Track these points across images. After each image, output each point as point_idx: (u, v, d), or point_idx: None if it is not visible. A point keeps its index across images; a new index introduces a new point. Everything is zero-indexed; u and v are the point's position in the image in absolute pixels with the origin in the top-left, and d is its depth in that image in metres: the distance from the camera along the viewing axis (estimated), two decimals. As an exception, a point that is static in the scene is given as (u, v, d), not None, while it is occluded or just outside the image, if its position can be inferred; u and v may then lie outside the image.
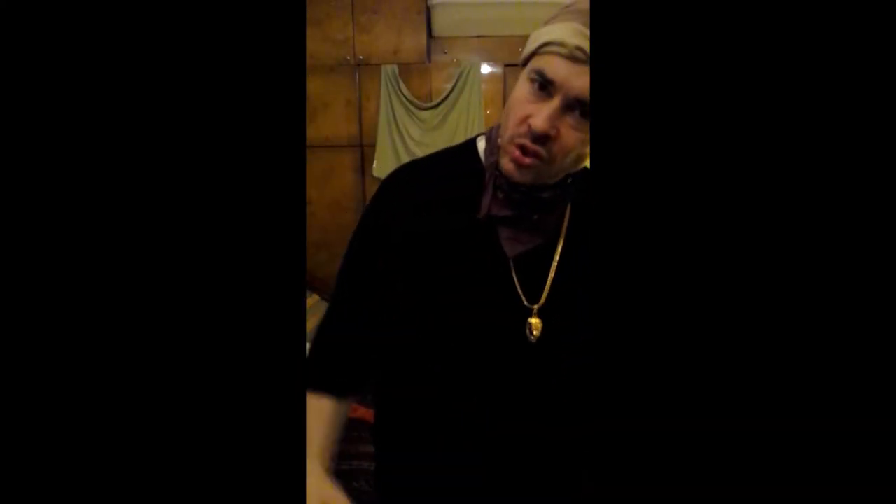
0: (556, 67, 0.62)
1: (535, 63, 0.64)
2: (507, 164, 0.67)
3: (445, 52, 2.91)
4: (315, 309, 2.70)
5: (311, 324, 2.48)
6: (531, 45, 0.65)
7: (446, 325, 0.70)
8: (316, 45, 2.85)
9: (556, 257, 0.72)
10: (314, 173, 2.94)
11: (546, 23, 0.65)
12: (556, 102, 0.63)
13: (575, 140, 0.64)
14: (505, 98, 2.85)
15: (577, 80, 0.61)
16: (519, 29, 2.88)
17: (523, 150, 0.65)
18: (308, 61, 2.85)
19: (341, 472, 1.98)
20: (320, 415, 0.76)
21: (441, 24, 2.92)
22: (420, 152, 2.90)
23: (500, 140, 0.68)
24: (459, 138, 2.83)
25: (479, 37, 2.89)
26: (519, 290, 0.70)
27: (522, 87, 0.65)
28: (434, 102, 2.86)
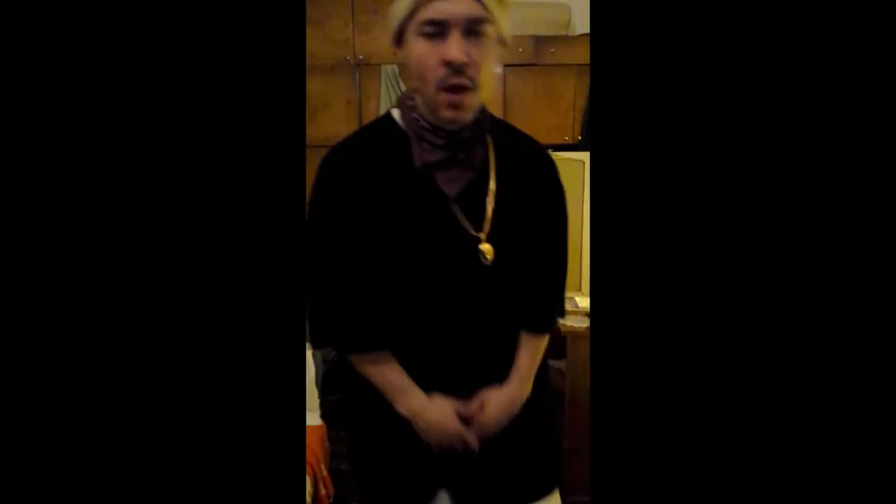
0: (439, 8, 0.70)
1: (420, 19, 0.71)
2: (446, 113, 0.75)
3: (445, 52, 2.91)
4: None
5: (312, 324, 2.48)
6: (401, 14, 0.73)
7: (412, 264, 0.79)
8: (316, 45, 2.85)
9: (491, 188, 0.81)
10: (314, 174, 2.94)
11: None
12: (455, 34, 0.70)
13: (485, 58, 0.73)
14: (504, 98, 2.85)
15: (459, 6, 0.69)
16: (519, 29, 2.88)
17: (453, 90, 0.71)
18: (308, 61, 2.85)
19: (342, 472, 1.99)
20: (382, 362, 0.83)
21: (441, 24, 2.92)
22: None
23: (422, 98, 0.76)
24: (459, 138, 2.83)
25: (479, 37, 2.89)
26: (464, 223, 0.79)
27: (418, 46, 0.72)
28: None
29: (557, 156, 2.93)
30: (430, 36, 0.72)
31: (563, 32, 2.94)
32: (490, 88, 0.78)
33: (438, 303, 0.80)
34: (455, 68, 0.72)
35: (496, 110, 2.85)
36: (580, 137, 2.92)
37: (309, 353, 1.82)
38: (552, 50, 2.86)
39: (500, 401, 0.81)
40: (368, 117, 2.89)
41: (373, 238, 0.80)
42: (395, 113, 0.86)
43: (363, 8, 2.83)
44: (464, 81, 0.73)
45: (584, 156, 2.93)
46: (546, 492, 0.95)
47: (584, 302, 2.06)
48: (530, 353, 0.87)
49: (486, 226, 0.81)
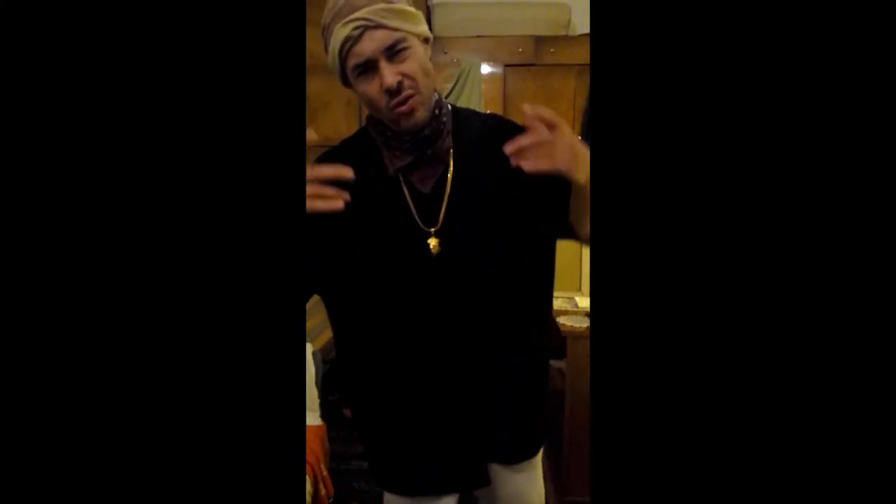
0: (358, 52, 0.81)
1: (350, 66, 0.83)
2: (403, 122, 0.84)
3: (445, 52, 2.91)
4: (315, 309, 2.69)
5: (311, 324, 2.47)
6: (334, 64, 0.85)
7: (373, 257, 0.89)
8: (316, 44, 2.84)
9: (448, 188, 0.89)
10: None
11: (327, 50, 0.86)
12: (383, 64, 0.81)
13: (416, 63, 0.82)
14: (505, 97, 2.86)
15: (373, 42, 0.80)
16: (519, 29, 2.88)
17: (399, 104, 0.82)
18: (308, 61, 2.84)
19: (342, 472, 1.99)
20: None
21: (441, 24, 2.92)
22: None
23: (383, 119, 0.86)
24: (459, 138, 2.82)
25: (479, 37, 2.89)
26: (416, 219, 0.89)
27: (359, 85, 0.84)
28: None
29: (557, 156, 2.94)
30: (364, 74, 0.83)
31: (562, 32, 2.94)
32: (432, 79, 0.87)
33: (383, 289, 0.90)
34: (394, 91, 0.82)
35: (496, 109, 2.86)
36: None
37: (309, 353, 1.82)
38: (552, 50, 2.86)
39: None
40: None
41: (346, 233, 0.89)
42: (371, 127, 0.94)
43: (363, 8, 2.83)
44: (406, 93, 0.83)
45: (584, 156, 2.93)
46: (536, 451, 1.05)
47: (584, 302, 2.06)
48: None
49: (439, 221, 0.89)
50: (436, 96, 0.90)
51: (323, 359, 2.13)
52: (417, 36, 0.86)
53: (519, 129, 0.83)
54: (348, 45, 0.81)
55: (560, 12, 2.92)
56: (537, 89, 2.88)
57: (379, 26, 0.80)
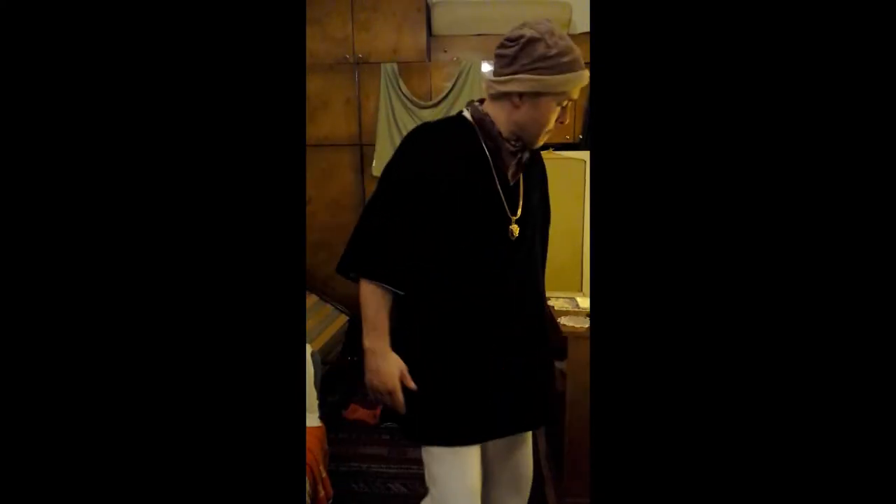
0: (576, 92, 1.11)
1: (562, 92, 1.07)
2: (538, 143, 1.13)
3: (445, 51, 2.91)
4: (315, 309, 2.68)
5: (311, 324, 2.47)
6: (555, 88, 1.06)
7: (464, 234, 1.09)
8: (315, 43, 2.84)
9: (522, 188, 1.15)
10: (314, 172, 2.93)
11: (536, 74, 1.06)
12: (569, 105, 1.13)
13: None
14: (505, 97, 2.84)
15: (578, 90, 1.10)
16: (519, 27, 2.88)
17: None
18: (307, 60, 2.84)
19: (341, 474, 1.98)
20: (382, 301, 1.10)
21: (441, 23, 2.92)
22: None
23: (524, 132, 1.11)
24: (459, 137, 2.81)
25: (479, 35, 2.89)
26: (506, 208, 1.12)
27: (551, 108, 1.08)
28: (434, 101, 2.86)
29: (558, 155, 2.93)
30: (561, 104, 1.07)
31: (563, 31, 2.94)
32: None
33: (472, 263, 1.10)
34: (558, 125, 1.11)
35: (496, 109, 2.86)
36: (581, 136, 2.91)
37: (308, 354, 1.81)
38: (552, 49, 2.85)
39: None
40: (368, 116, 2.89)
41: (434, 206, 1.07)
42: (466, 113, 1.14)
43: (362, 6, 2.82)
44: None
45: (585, 155, 2.93)
46: (545, 422, 1.27)
47: (584, 302, 2.05)
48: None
49: (519, 211, 1.14)
50: None
51: (323, 360, 2.13)
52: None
53: (539, 155, 1.24)
54: (568, 87, 1.06)
55: (560, 11, 2.92)
56: (537, 89, 2.88)
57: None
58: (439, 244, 1.08)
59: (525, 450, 1.25)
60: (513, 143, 1.10)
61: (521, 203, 1.14)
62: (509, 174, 1.13)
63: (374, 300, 1.10)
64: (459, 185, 1.08)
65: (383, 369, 1.08)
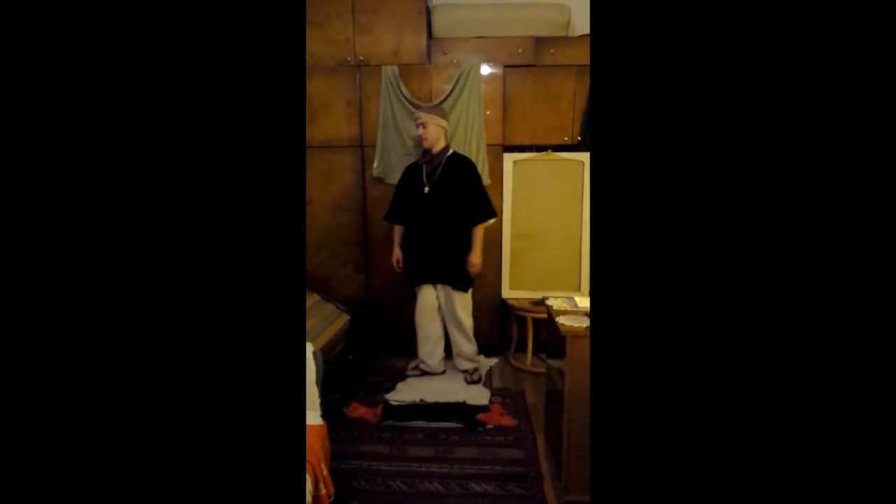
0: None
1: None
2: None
3: (445, 53, 2.92)
4: (316, 308, 2.70)
5: (313, 323, 2.48)
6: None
7: (405, 197, 2.76)
8: (316, 45, 2.86)
9: (437, 174, 2.68)
10: (314, 174, 2.94)
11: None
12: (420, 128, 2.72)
13: (432, 130, 2.67)
14: (505, 98, 2.87)
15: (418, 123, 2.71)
16: (519, 30, 2.89)
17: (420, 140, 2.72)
18: (308, 62, 2.85)
19: (342, 472, 2.00)
20: (398, 231, 2.84)
21: (441, 25, 2.93)
22: (419, 152, 2.91)
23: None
24: (459, 139, 2.84)
25: (479, 38, 2.90)
26: (424, 181, 2.70)
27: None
28: (434, 103, 2.87)
29: (557, 156, 2.95)
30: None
31: (562, 33, 2.95)
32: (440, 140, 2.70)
33: (413, 211, 2.74)
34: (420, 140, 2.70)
35: (496, 110, 2.87)
36: (579, 138, 2.92)
37: (309, 353, 1.82)
38: (551, 50, 2.87)
39: (474, 255, 2.70)
40: (369, 118, 2.90)
41: (399, 188, 2.80)
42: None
43: (363, 9, 2.83)
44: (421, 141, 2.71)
45: (584, 156, 2.94)
46: (464, 289, 2.80)
47: (583, 302, 2.06)
48: (477, 233, 2.70)
49: (431, 185, 2.69)
50: (443, 143, 2.72)
51: (324, 358, 2.14)
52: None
53: (468, 162, 2.74)
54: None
55: (560, 13, 2.93)
56: (537, 90, 2.89)
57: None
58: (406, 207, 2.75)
59: (465, 298, 2.82)
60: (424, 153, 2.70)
61: (434, 179, 2.67)
62: (427, 168, 2.70)
63: (396, 228, 2.83)
64: (411, 183, 2.75)
65: (395, 253, 2.81)
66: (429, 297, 2.77)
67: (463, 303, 2.77)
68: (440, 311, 2.79)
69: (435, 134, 2.59)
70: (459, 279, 2.71)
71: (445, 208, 2.62)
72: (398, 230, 2.79)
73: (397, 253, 2.79)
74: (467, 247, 2.67)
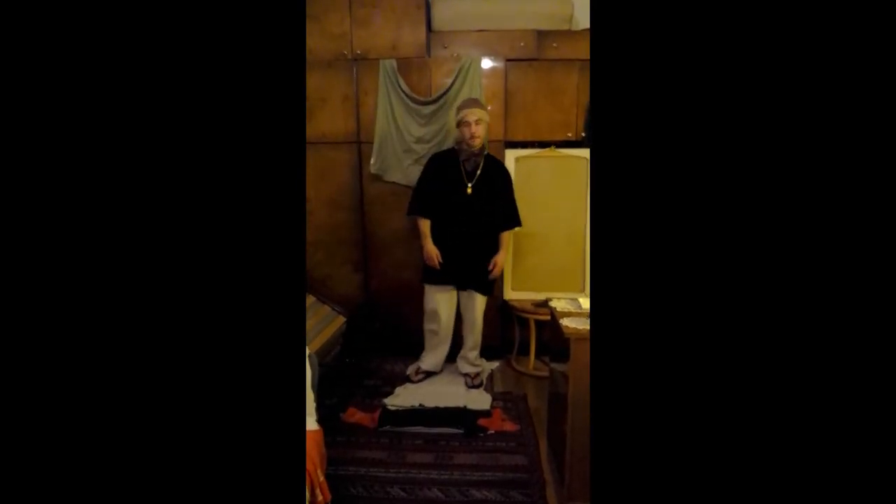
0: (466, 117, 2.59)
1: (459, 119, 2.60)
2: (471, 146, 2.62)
3: (445, 47, 2.86)
4: (312, 309, 2.64)
5: (308, 325, 2.43)
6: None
7: (442, 194, 2.62)
8: (313, 40, 2.79)
9: (478, 173, 2.58)
10: (310, 171, 2.88)
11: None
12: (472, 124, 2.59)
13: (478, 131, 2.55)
14: (507, 92, 2.81)
15: (473, 115, 2.52)
16: (520, 23, 2.83)
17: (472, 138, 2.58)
18: (307, 57, 2.79)
19: (339, 478, 1.95)
20: (426, 224, 2.63)
21: (441, 19, 2.87)
22: (419, 149, 2.84)
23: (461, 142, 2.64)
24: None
25: (479, 31, 2.84)
26: (465, 180, 2.58)
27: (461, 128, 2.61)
28: (434, 97, 2.81)
29: (560, 152, 2.89)
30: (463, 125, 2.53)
31: (565, 27, 2.89)
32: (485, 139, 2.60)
33: (448, 210, 2.60)
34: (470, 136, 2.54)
35: (497, 105, 2.81)
36: (583, 134, 2.87)
37: (306, 356, 1.77)
38: (554, 44, 2.81)
39: (501, 257, 2.64)
40: (366, 113, 2.84)
41: (430, 182, 2.64)
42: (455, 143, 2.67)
43: (361, 2, 2.77)
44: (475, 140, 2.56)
45: (588, 153, 2.88)
46: (490, 293, 2.75)
47: (587, 303, 2.01)
48: (506, 238, 2.65)
49: (474, 183, 2.58)
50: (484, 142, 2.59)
51: (320, 362, 2.09)
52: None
53: (503, 165, 2.72)
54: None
55: (562, 6, 2.87)
56: (539, 84, 2.83)
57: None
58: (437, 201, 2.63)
59: (482, 302, 2.73)
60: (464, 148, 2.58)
61: (475, 180, 2.57)
62: (467, 166, 2.58)
63: (423, 222, 2.62)
64: (444, 177, 2.64)
65: (429, 249, 2.60)
66: (449, 299, 2.66)
67: (482, 306, 2.71)
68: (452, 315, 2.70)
69: (486, 132, 2.48)
70: (487, 283, 2.63)
71: (486, 212, 2.53)
72: (426, 223, 2.58)
73: (433, 248, 2.56)
74: (492, 251, 2.58)
